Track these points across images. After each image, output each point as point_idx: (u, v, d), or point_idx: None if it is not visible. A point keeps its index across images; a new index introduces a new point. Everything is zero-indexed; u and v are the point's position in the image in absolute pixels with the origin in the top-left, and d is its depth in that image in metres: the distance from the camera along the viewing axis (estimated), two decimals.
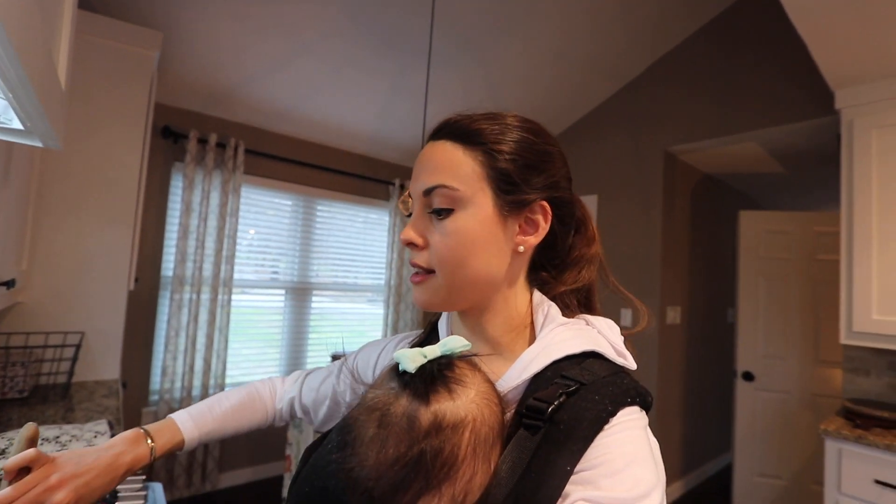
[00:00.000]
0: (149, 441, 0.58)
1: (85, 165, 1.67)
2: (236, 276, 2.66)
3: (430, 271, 0.48)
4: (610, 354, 0.46)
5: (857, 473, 1.58)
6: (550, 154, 0.50)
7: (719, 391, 3.32)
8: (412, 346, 0.57)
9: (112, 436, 1.01)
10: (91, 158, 1.68)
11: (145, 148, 1.85)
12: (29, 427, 0.54)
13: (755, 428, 2.64)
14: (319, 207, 3.04)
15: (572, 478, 0.36)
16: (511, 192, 0.47)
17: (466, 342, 0.41)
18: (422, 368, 0.38)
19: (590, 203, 3.05)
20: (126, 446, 0.56)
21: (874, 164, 1.75)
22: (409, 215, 0.51)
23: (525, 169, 0.47)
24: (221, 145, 2.54)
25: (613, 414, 0.39)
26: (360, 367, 0.65)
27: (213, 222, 2.51)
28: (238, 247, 2.67)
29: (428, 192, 0.47)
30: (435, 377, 0.38)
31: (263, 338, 2.84)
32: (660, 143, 2.74)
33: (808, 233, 2.62)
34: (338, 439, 0.43)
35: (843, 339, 1.80)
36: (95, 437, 0.99)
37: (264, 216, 2.81)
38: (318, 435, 0.57)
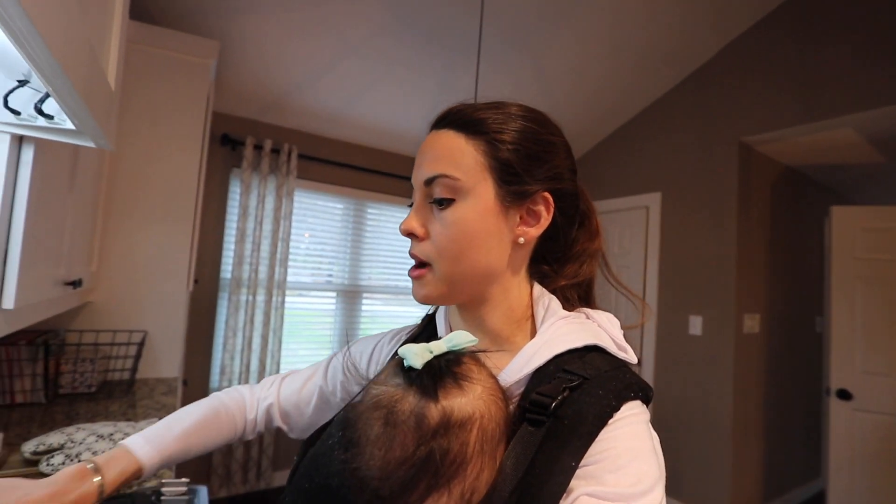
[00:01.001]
0: (96, 479, 0.52)
1: (148, 172, 1.75)
2: (290, 278, 2.72)
3: (426, 264, 0.47)
4: (611, 348, 0.45)
5: None
6: (554, 144, 0.49)
7: (806, 409, 2.95)
8: (411, 341, 0.56)
9: None
10: (153, 165, 1.75)
11: (203, 154, 1.92)
12: None
13: (854, 454, 2.30)
14: (370, 210, 3.05)
15: (576, 472, 0.36)
16: (513, 182, 0.46)
17: (472, 337, 0.41)
18: (428, 365, 0.37)
19: (653, 201, 2.83)
20: (68, 484, 0.49)
21: None
22: (411, 205, 0.51)
23: (528, 159, 0.47)
24: (276, 151, 2.61)
25: (617, 409, 0.39)
26: (353, 360, 0.64)
27: (267, 226, 2.58)
28: (291, 250, 2.73)
29: (429, 182, 0.47)
30: (442, 373, 0.37)
31: (315, 339, 2.88)
32: (733, 134, 2.49)
33: None
34: (340, 436, 0.41)
35: None
36: None
37: (316, 219, 2.86)
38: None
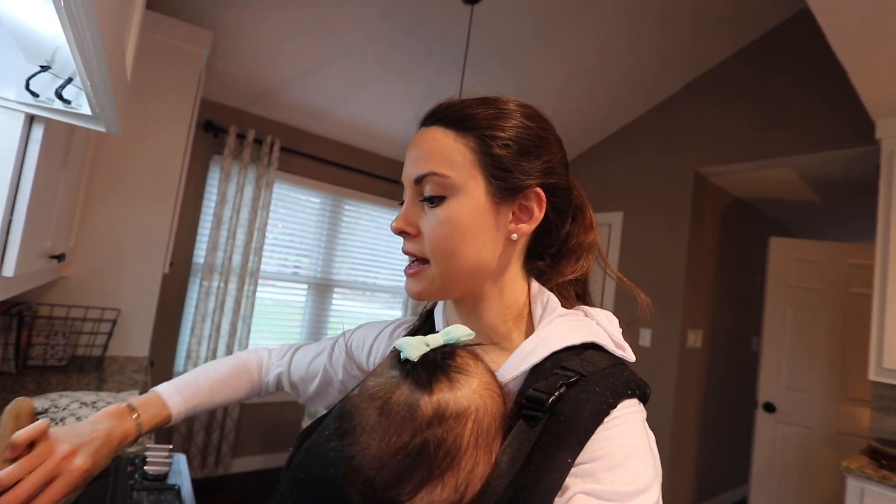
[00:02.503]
0: (135, 416, 0.57)
1: (134, 153, 1.77)
2: (263, 267, 2.75)
3: (424, 261, 0.48)
4: (609, 346, 0.45)
5: None
6: (545, 139, 0.49)
7: (739, 421, 3.22)
8: (411, 334, 0.56)
9: None
10: (140, 147, 1.78)
11: (189, 140, 1.95)
12: (23, 401, 0.53)
13: (774, 462, 2.55)
14: (346, 207, 3.11)
15: (572, 470, 0.36)
16: (504, 178, 0.46)
17: (470, 331, 0.40)
18: (424, 357, 0.37)
19: (615, 220, 3.03)
20: (114, 420, 0.55)
21: None
22: (402, 203, 0.50)
23: (519, 155, 0.46)
24: (258, 141, 2.64)
25: (614, 406, 0.39)
26: (354, 346, 0.65)
27: (245, 215, 2.61)
28: (267, 240, 2.76)
29: (419, 180, 0.46)
30: (438, 366, 0.37)
31: (283, 330, 2.91)
32: (691, 164, 2.71)
33: (841, 264, 2.54)
34: (336, 426, 0.42)
35: (872, 376, 1.74)
36: None
37: (293, 212, 2.90)
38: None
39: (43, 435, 0.48)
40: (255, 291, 2.62)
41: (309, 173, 2.91)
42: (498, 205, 0.46)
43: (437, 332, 0.50)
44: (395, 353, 0.40)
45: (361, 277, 3.21)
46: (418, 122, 0.51)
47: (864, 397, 2.35)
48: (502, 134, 0.46)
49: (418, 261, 0.48)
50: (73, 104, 0.84)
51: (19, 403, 0.52)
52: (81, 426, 0.53)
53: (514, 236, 0.47)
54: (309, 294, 2.97)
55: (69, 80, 0.82)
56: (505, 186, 0.46)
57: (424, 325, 0.58)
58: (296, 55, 2.29)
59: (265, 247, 2.75)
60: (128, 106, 1.04)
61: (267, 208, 2.65)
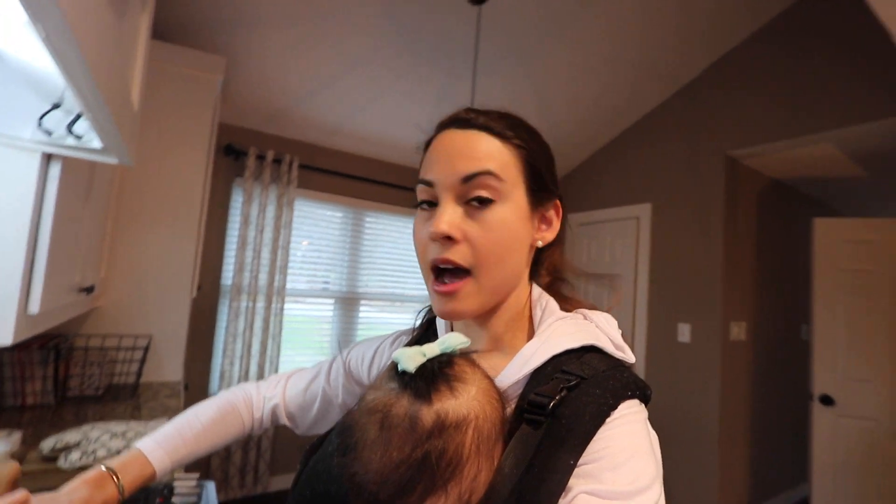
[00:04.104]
0: (115, 479, 0.54)
1: (155, 182, 1.81)
2: (289, 285, 2.77)
3: (459, 274, 0.44)
4: (609, 348, 0.45)
5: None
6: (552, 156, 0.52)
7: (793, 415, 3.02)
8: (411, 345, 0.55)
9: None
10: (161, 176, 1.82)
11: (209, 165, 1.99)
12: (10, 466, 0.51)
13: (836, 459, 2.37)
14: (368, 219, 3.12)
15: (575, 471, 0.36)
16: (540, 189, 0.48)
17: (465, 339, 0.41)
18: (422, 367, 0.38)
19: (643, 212, 2.91)
20: (91, 489, 0.52)
21: None
22: (420, 204, 0.47)
23: (547, 167, 0.49)
24: (277, 161, 2.68)
25: (615, 407, 0.39)
26: (353, 363, 0.64)
27: (268, 234, 2.64)
28: (291, 257, 2.79)
29: (469, 178, 0.44)
30: (435, 376, 0.37)
31: (313, 345, 2.93)
32: (720, 147, 2.58)
33: None
34: (338, 442, 0.42)
35: None
36: None
37: (316, 228, 2.92)
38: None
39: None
40: (282, 309, 2.65)
41: (329, 188, 2.94)
42: (532, 214, 0.48)
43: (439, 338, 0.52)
44: (393, 364, 0.40)
45: (388, 289, 3.20)
46: (439, 125, 0.50)
47: None
48: (535, 146, 0.48)
49: (450, 274, 0.45)
50: (84, 139, 0.85)
51: (8, 467, 0.51)
52: (59, 496, 0.50)
53: (539, 244, 0.49)
54: (336, 308, 2.98)
55: (79, 116, 0.83)
56: (540, 197, 0.48)
57: (426, 333, 0.58)
58: (305, 71, 2.31)
59: (290, 264, 2.78)
60: (137, 136, 1.05)
61: (289, 226, 2.68)
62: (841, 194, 3.35)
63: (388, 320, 3.22)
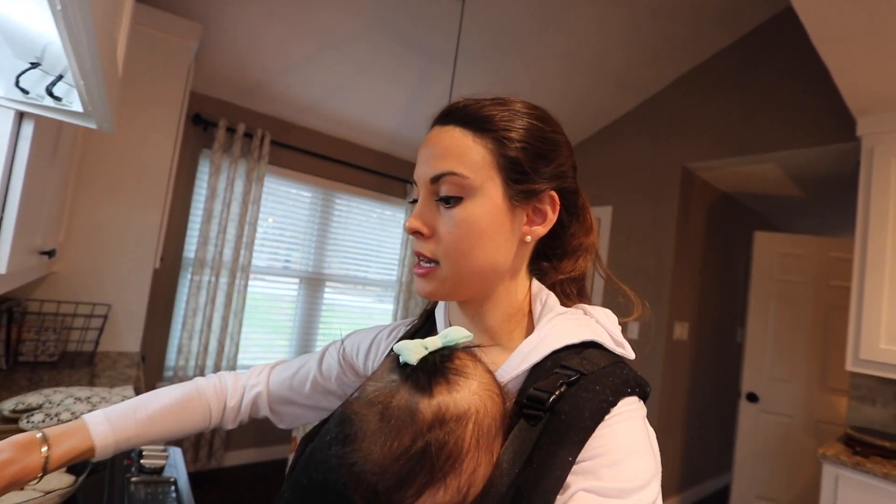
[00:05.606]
0: (43, 450, 0.49)
1: (123, 148, 1.75)
2: (254, 262, 2.74)
3: (435, 262, 0.47)
4: (609, 344, 0.45)
5: (853, 501, 1.59)
6: (558, 142, 0.49)
7: (723, 410, 3.30)
8: (409, 336, 0.56)
9: None
10: (129, 142, 1.76)
11: (178, 134, 1.94)
12: None
13: (756, 449, 2.63)
14: (337, 201, 3.11)
15: (573, 468, 0.36)
16: (520, 181, 0.46)
17: (468, 333, 0.40)
18: (423, 360, 0.38)
19: (604, 214, 3.07)
20: (14, 453, 0.47)
21: (892, 192, 1.76)
22: (413, 201, 0.50)
23: (535, 158, 0.46)
24: (248, 135, 2.62)
25: (614, 404, 0.39)
26: (347, 352, 0.63)
27: (235, 209, 2.60)
28: (257, 234, 2.75)
29: (436, 180, 0.46)
30: (437, 369, 0.38)
31: (275, 324, 2.92)
32: (679, 159, 2.75)
33: (823, 258, 2.61)
34: (337, 432, 0.42)
35: (849, 366, 1.80)
36: (122, 400, 1.05)
37: (284, 206, 2.89)
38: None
39: None
40: (246, 286, 2.62)
41: (300, 167, 2.90)
42: (514, 207, 0.46)
43: (439, 331, 0.52)
44: (394, 356, 0.40)
45: (353, 271, 3.21)
46: (431, 122, 0.50)
47: (842, 387, 2.43)
48: (519, 136, 0.46)
49: (429, 261, 0.47)
50: (63, 101, 0.84)
51: None
52: None
53: (528, 238, 0.48)
54: (301, 288, 2.97)
55: (59, 77, 0.81)
56: (522, 189, 0.46)
57: (425, 325, 0.58)
58: (285, 46, 2.28)
59: (256, 241, 2.74)
60: (120, 102, 1.04)
61: (258, 202, 2.65)
62: (780, 211, 3.64)
63: (352, 303, 3.24)
